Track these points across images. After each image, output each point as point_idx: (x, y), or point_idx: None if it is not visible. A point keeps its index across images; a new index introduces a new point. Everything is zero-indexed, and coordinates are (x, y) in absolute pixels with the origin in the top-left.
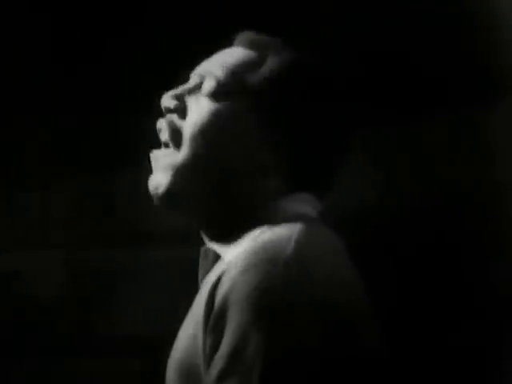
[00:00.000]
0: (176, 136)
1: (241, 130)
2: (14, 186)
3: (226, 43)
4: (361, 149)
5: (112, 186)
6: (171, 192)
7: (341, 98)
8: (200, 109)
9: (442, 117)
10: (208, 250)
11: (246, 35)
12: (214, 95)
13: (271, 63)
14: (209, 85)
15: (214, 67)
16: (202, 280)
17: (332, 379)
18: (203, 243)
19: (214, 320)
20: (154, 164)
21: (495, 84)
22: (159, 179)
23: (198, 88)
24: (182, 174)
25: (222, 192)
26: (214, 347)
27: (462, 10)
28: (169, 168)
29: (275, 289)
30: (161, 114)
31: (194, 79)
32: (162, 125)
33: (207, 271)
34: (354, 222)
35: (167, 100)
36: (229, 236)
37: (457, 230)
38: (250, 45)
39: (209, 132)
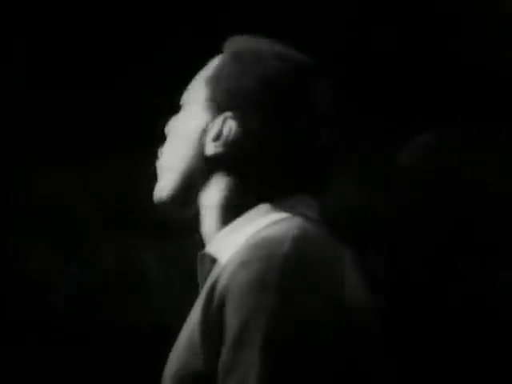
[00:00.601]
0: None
1: (232, 132)
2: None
3: (217, 51)
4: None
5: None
6: (167, 191)
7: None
8: (181, 117)
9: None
10: (204, 255)
11: (234, 41)
12: (183, 104)
13: (257, 69)
14: (187, 97)
15: (196, 82)
16: (202, 286)
17: (328, 368)
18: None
19: (215, 312)
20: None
21: None
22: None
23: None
24: (167, 174)
25: (217, 191)
26: (219, 338)
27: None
28: (163, 171)
29: (274, 282)
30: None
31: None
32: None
33: (206, 277)
34: (353, 223)
35: (167, 127)
36: (224, 234)
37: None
38: (237, 51)
39: (191, 135)
